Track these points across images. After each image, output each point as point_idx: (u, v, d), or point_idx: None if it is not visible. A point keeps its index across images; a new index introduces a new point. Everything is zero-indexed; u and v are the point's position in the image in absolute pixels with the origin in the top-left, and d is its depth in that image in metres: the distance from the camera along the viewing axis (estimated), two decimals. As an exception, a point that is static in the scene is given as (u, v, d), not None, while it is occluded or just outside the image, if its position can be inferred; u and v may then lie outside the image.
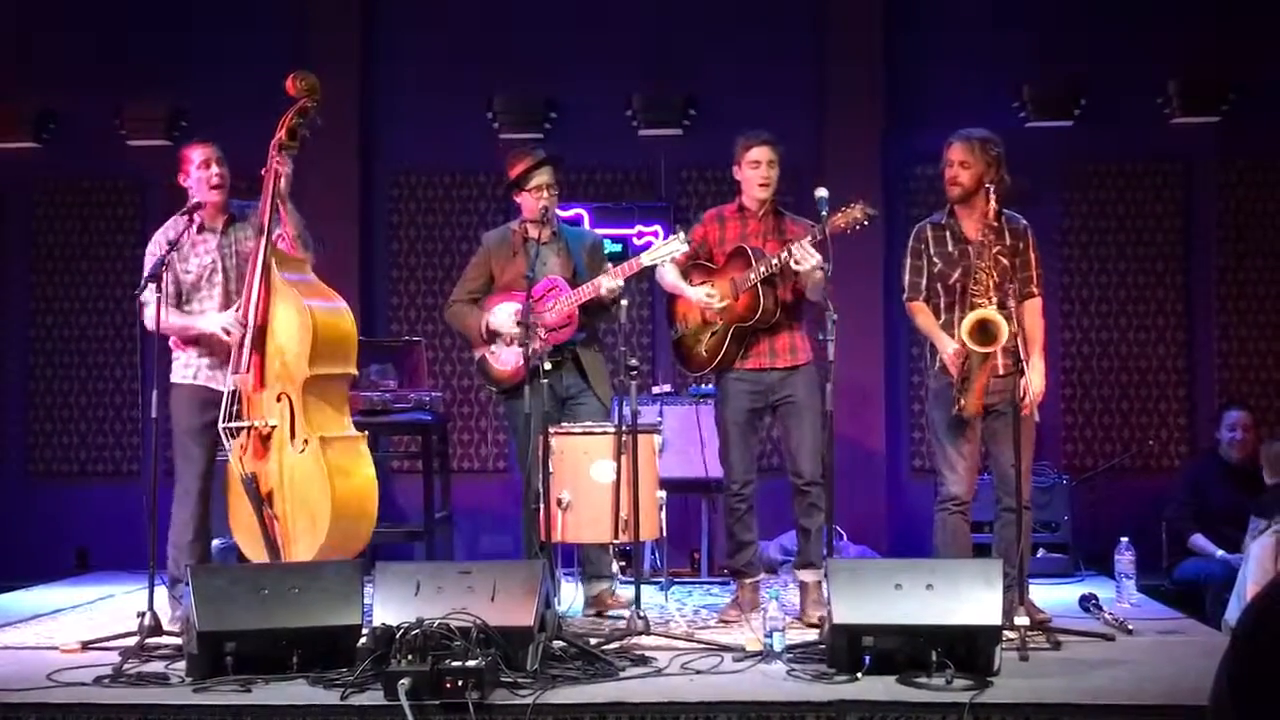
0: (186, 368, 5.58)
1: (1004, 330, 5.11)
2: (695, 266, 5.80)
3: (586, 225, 7.80)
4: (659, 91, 8.06)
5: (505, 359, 5.87)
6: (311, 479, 5.27)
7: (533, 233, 5.84)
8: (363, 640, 4.34)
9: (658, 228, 7.95)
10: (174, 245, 5.45)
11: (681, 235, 5.63)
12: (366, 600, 4.69)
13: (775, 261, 5.50)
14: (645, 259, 5.64)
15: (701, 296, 5.68)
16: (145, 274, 5.39)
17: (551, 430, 5.31)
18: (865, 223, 5.46)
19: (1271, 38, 7.86)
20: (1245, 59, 7.86)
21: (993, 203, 5.29)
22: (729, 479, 5.80)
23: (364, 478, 5.41)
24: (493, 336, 5.89)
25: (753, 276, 5.56)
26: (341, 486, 5.27)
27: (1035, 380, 5.36)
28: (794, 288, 5.65)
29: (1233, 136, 7.92)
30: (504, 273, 5.92)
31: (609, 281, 5.62)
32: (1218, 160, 8.01)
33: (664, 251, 5.62)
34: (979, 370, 5.28)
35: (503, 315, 5.85)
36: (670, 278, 5.81)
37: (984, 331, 5.17)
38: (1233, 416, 7.02)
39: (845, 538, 7.28)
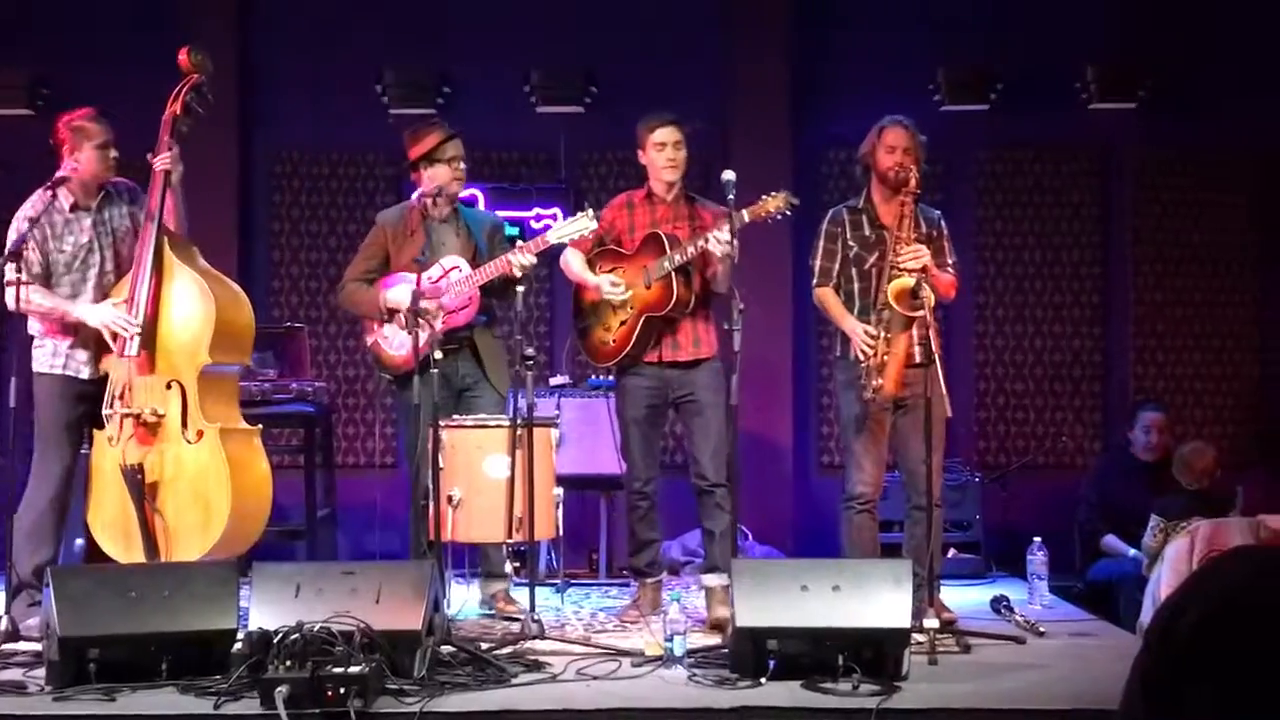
0: (55, 356, 5.44)
1: (930, 298, 5.19)
2: (603, 253, 5.82)
3: (481, 206, 7.75)
4: (559, 66, 8.02)
5: (401, 343, 5.78)
6: (209, 472, 5.29)
7: (432, 211, 5.81)
8: (238, 645, 4.28)
9: (556, 210, 7.91)
10: (35, 222, 5.33)
11: (590, 212, 5.63)
12: (243, 603, 4.63)
13: (691, 249, 5.54)
14: (552, 236, 5.62)
15: (605, 285, 5.68)
16: (6, 250, 5.24)
17: (442, 423, 5.28)
18: (787, 212, 5.53)
19: (1190, 22, 8.01)
20: (1164, 44, 7.99)
21: (913, 184, 5.42)
22: (631, 476, 5.84)
23: (261, 473, 5.50)
24: (392, 314, 5.81)
25: (666, 264, 5.58)
26: (240, 482, 5.32)
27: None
28: (702, 277, 5.69)
29: (1151, 123, 8.05)
30: (401, 253, 5.85)
31: (520, 257, 5.56)
32: (1136, 147, 8.15)
33: (571, 229, 5.59)
34: (898, 336, 5.34)
35: (402, 292, 5.72)
36: (576, 267, 5.82)
37: (910, 300, 5.27)
38: (1148, 416, 7.14)
39: (750, 537, 7.31)
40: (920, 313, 5.22)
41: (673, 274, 5.60)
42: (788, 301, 7.81)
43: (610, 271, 5.74)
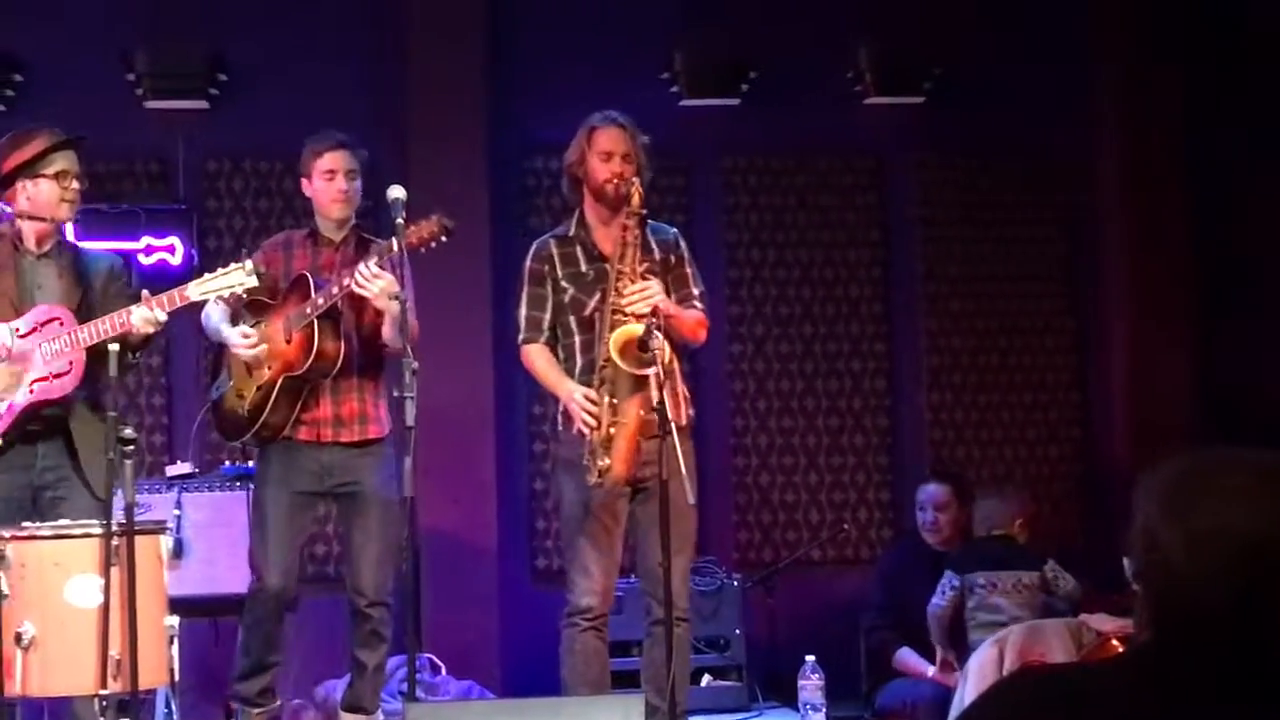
0: None
1: (663, 352, 5.19)
2: (253, 304, 5.87)
3: (70, 234, 7.44)
4: (175, 47, 7.83)
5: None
6: None
7: (27, 242, 5.64)
8: None
9: (174, 239, 7.71)
10: None
11: (249, 265, 5.55)
12: None
13: (336, 289, 5.58)
14: (194, 291, 5.49)
15: (235, 338, 5.71)
16: None
17: (7, 532, 5.05)
18: (443, 237, 5.60)
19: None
20: (954, 25, 8.22)
21: (636, 203, 5.42)
22: (261, 575, 5.80)
23: None
24: None
25: (309, 310, 5.61)
26: None
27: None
28: (370, 333, 5.72)
29: (939, 123, 8.27)
30: None
31: (145, 312, 5.41)
32: (920, 152, 8.36)
33: (221, 283, 5.48)
34: (628, 402, 5.28)
35: None
36: (214, 319, 5.82)
37: (638, 353, 5.23)
38: (927, 493, 7.21)
39: (445, 670, 7.22)
40: (652, 369, 5.17)
41: (316, 323, 5.60)
42: (486, 357, 7.73)
43: (255, 325, 5.75)
